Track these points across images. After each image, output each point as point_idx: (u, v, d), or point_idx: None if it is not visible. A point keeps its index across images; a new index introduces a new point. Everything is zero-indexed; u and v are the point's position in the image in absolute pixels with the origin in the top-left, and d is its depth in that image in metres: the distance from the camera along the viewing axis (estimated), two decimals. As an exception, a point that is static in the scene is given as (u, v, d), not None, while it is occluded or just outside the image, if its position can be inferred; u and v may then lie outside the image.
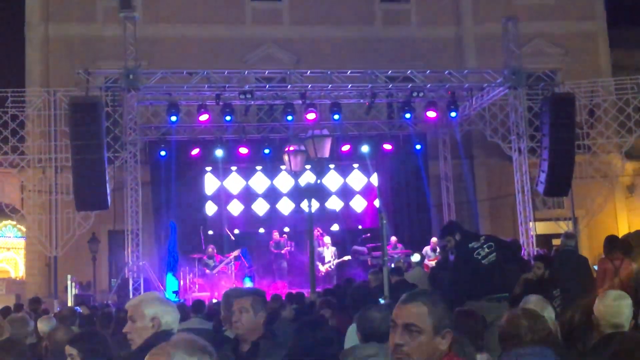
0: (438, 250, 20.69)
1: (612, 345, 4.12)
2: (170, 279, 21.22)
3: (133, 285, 19.28)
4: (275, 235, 23.00)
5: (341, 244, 23.50)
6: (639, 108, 22.58)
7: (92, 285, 22.92)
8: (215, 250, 21.83)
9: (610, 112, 23.27)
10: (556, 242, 20.36)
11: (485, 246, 10.11)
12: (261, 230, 24.80)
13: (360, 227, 25.15)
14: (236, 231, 24.03)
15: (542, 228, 24.10)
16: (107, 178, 18.46)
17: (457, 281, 10.65)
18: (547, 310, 5.80)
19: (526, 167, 21.28)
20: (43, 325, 9.01)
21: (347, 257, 22.54)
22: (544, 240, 23.77)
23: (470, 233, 10.74)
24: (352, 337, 6.37)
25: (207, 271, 21.29)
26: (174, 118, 20.24)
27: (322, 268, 21.92)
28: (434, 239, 22.25)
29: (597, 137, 23.61)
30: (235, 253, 21.82)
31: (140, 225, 20.30)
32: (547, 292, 9.71)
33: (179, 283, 21.19)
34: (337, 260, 22.37)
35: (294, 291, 16.36)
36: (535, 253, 19.02)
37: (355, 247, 23.14)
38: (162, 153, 22.82)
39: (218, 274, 21.22)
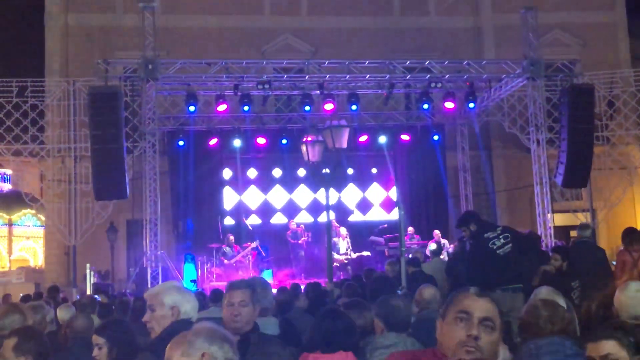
0: (442, 242, 20.72)
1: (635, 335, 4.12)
2: (188, 267, 21.33)
3: (151, 274, 19.38)
4: (292, 225, 23.07)
5: (358, 234, 23.55)
6: (659, 99, 22.47)
7: (110, 274, 23.05)
8: (234, 240, 21.93)
9: (629, 104, 23.15)
10: (574, 233, 20.29)
11: (501, 237, 10.15)
12: (279, 219, 24.86)
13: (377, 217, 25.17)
14: (253, 221, 24.15)
15: (560, 220, 24.02)
16: (125, 168, 18.55)
17: (471, 270, 10.69)
18: (560, 300, 5.80)
19: (544, 159, 21.20)
20: (63, 314, 9.11)
21: (366, 253, 22.55)
22: (562, 232, 23.69)
23: (487, 223, 10.76)
24: None
25: (225, 261, 21.38)
26: (192, 108, 20.31)
27: (338, 258, 21.95)
28: (437, 231, 22.16)
29: (615, 129, 23.49)
30: (254, 244, 21.92)
31: (159, 214, 20.39)
32: (565, 283, 9.71)
33: (197, 272, 21.31)
34: (355, 255, 22.39)
35: (310, 281, 16.43)
36: (553, 245, 18.97)
37: (373, 238, 23.17)
38: (181, 143, 22.91)
39: (236, 264, 21.31)
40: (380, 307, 5.53)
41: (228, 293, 5.21)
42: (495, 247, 10.07)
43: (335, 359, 5.38)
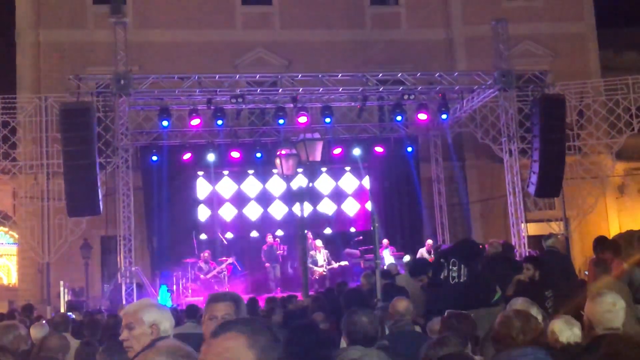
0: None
1: (605, 346, 4.16)
2: (162, 292, 21.20)
3: (126, 290, 19.25)
4: (269, 239, 23.00)
5: (333, 247, 23.56)
6: (629, 109, 22.67)
7: (84, 291, 22.87)
8: (210, 256, 21.87)
9: (599, 113, 23.37)
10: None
11: (452, 267, 10.24)
12: (254, 234, 24.79)
13: (352, 229, 25.19)
14: (228, 235, 24.08)
15: (533, 229, 24.15)
16: (98, 183, 18.44)
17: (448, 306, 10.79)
18: (533, 311, 5.84)
19: (517, 169, 21.33)
20: (36, 332, 9.01)
21: (344, 263, 22.56)
22: (536, 241, 23.80)
23: (438, 263, 10.86)
24: None
25: (201, 276, 21.31)
26: (165, 123, 20.25)
27: (318, 271, 21.97)
28: (429, 241, 22.35)
29: (587, 138, 23.71)
30: (229, 260, 21.89)
31: (133, 230, 20.27)
32: (539, 293, 9.77)
33: (170, 295, 21.19)
34: (333, 265, 22.39)
35: (285, 295, 16.41)
36: (526, 254, 19.06)
37: (348, 250, 23.19)
38: (154, 158, 22.85)
39: (212, 279, 21.25)
40: (344, 322, 5.55)
41: (210, 306, 4.83)
42: (455, 280, 10.19)
43: None
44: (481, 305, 9.84)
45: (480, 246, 13.36)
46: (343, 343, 6.44)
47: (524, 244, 20.97)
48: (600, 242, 11.29)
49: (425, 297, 11.36)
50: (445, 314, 6.73)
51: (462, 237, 20.11)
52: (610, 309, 5.46)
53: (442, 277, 10.33)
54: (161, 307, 4.81)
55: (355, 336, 5.35)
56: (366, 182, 25.42)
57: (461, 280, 10.15)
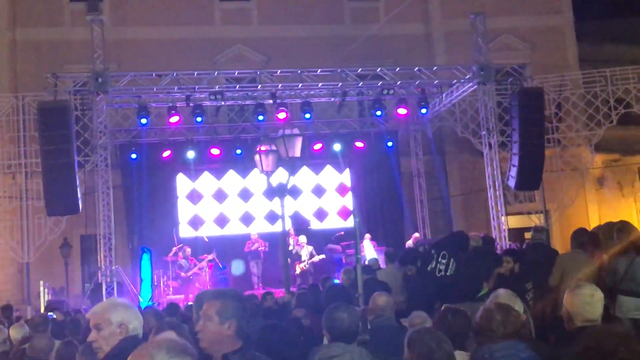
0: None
1: (585, 339, 4.15)
2: (145, 262, 21.10)
3: (106, 289, 19.16)
4: (254, 236, 22.95)
5: (315, 243, 23.55)
6: (607, 101, 22.78)
7: (65, 290, 22.74)
8: (190, 252, 21.80)
9: (578, 106, 23.47)
10: (528, 235, 20.49)
11: (442, 260, 10.24)
12: (235, 230, 24.74)
13: (334, 225, 25.20)
14: (209, 232, 24.02)
15: (514, 222, 24.27)
16: (77, 182, 18.33)
17: (429, 300, 10.80)
18: (517, 303, 5.85)
19: (497, 162, 21.40)
20: (15, 333, 8.96)
21: (321, 256, 22.57)
22: (516, 234, 23.95)
23: (427, 254, 10.86)
24: None
25: (182, 274, 21.23)
26: (144, 120, 20.14)
27: (299, 267, 21.97)
28: (416, 234, 22.37)
29: (566, 131, 23.81)
30: (210, 257, 21.82)
31: (113, 229, 20.17)
32: (519, 285, 9.79)
33: (152, 269, 21.13)
34: (312, 259, 22.39)
35: (263, 291, 16.41)
36: (507, 247, 19.14)
37: (330, 246, 23.19)
38: (133, 156, 22.74)
39: (193, 277, 21.18)
40: (325, 319, 5.55)
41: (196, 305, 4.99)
42: (441, 273, 10.19)
43: None
44: (465, 300, 9.86)
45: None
46: (326, 340, 6.44)
47: (505, 237, 21.06)
48: (580, 235, 11.34)
49: (408, 289, 11.37)
50: (442, 307, 6.73)
51: (451, 231, 20.15)
52: (588, 300, 5.48)
53: (429, 268, 10.31)
54: (129, 306, 4.72)
55: (336, 332, 5.35)
56: (347, 177, 25.44)
57: (447, 274, 10.15)
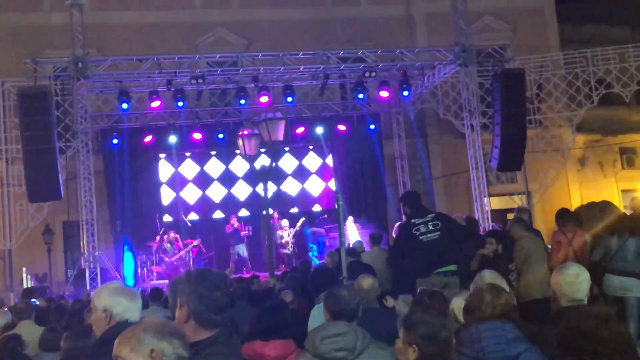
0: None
1: (565, 319, 4.18)
2: (127, 257, 21.09)
3: (90, 275, 19.10)
4: (233, 221, 22.95)
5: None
6: (588, 81, 22.84)
7: (48, 276, 22.66)
8: (175, 238, 21.78)
9: (559, 86, 23.52)
10: (511, 216, 20.59)
11: (430, 224, 10.20)
12: (218, 215, 24.74)
13: (317, 208, 25.27)
14: (192, 217, 23.99)
15: (497, 203, 24.37)
16: (59, 168, 18.24)
17: (392, 254, 10.82)
18: (502, 284, 5.88)
19: (479, 144, 21.44)
20: (-2, 319, 8.90)
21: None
22: (499, 215, 24.04)
23: (420, 208, 10.73)
24: (317, 317, 6.44)
25: (166, 259, 21.22)
26: (125, 105, 20.05)
27: (285, 251, 22.06)
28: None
29: (547, 111, 23.86)
30: (195, 243, 21.84)
31: (95, 214, 20.10)
32: (503, 266, 9.84)
33: (136, 262, 21.13)
34: (295, 230, 22.55)
35: (248, 275, 16.44)
36: (490, 228, 19.21)
37: (313, 229, 23.23)
38: (115, 141, 22.63)
39: (177, 262, 21.17)
40: (327, 298, 5.57)
41: None
42: (418, 233, 10.12)
43: (273, 347, 5.53)
44: (446, 264, 9.90)
45: None
46: (314, 322, 6.46)
47: (487, 218, 21.14)
48: (563, 214, 11.42)
49: (392, 271, 11.37)
50: (418, 291, 6.77)
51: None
52: (572, 280, 5.49)
53: (417, 233, 10.21)
54: (114, 292, 4.65)
55: (338, 311, 5.37)
56: (329, 160, 25.47)
57: (433, 239, 10.12)
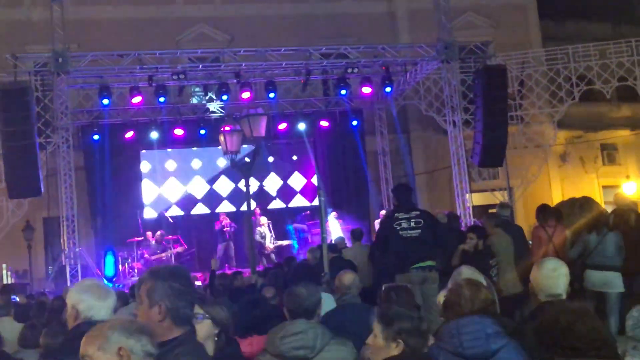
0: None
1: (543, 314, 4.19)
2: (109, 261, 21.02)
3: (70, 272, 19.01)
4: (222, 218, 22.92)
5: (281, 222, 23.62)
6: (569, 78, 22.91)
7: (28, 273, 22.54)
8: (163, 237, 21.75)
9: (541, 83, 23.57)
10: (492, 212, 20.67)
11: (412, 221, 10.16)
12: (200, 211, 24.69)
13: (299, 204, 25.26)
14: (174, 213, 23.91)
15: (478, 199, 24.41)
16: (39, 164, 18.12)
17: (373, 247, 10.83)
18: (480, 279, 5.88)
19: (461, 140, 21.48)
20: (-23, 317, 8.85)
21: (286, 242, 22.79)
22: (481, 211, 24.06)
23: (406, 203, 10.69)
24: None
25: (146, 255, 21.16)
26: (106, 101, 19.92)
27: (268, 246, 22.09)
28: (383, 212, 22.42)
29: (529, 108, 23.91)
30: (180, 249, 21.82)
31: (76, 211, 19.99)
32: (484, 262, 9.87)
33: (118, 267, 21.07)
34: (278, 243, 22.54)
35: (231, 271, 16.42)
36: (471, 224, 19.25)
37: (295, 225, 23.22)
38: (96, 137, 22.48)
39: (157, 259, 21.11)
40: (286, 297, 5.60)
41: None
42: (399, 228, 10.09)
43: (249, 343, 5.55)
44: (424, 260, 9.90)
45: None
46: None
47: (469, 214, 21.19)
48: (543, 210, 11.48)
49: (373, 266, 11.38)
50: (383, 288, 6.77)
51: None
52: (550, 274, 5.51)
53: (398, 228, 10.19)
54: (82, 289, 4.60)
55: (296, 310, 5.38)
56: (312, 156, 25.43)
57: (414, 235, 10.10)
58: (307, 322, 5.09)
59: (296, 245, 22.75)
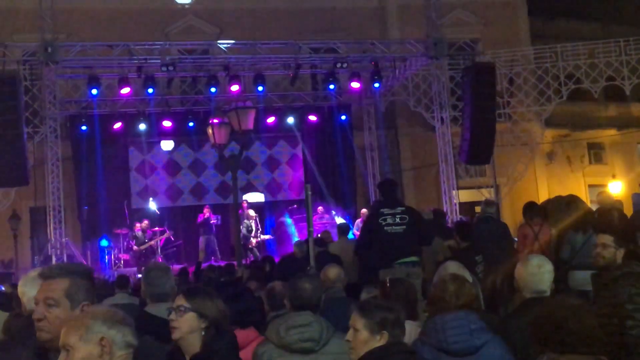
0: None
1: (537, 309, 4.22)
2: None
3: (56, 262, 18.95)
4: (206, 211, 22.88)
5: (268, 216, 23.62)
6: (557, 76, 22.99)
7: (14, 263, 22.49)
8: (148, 226, 21.72)
9: (529, 81, 23.64)
10: (479, 209, 20.74)
11: (397, 217, 10.17)
12: (187, 202, 24.67)
13: (286, 198, 25.26)
14: (161, 205, 23.88)
15: (465, 196, 24.49)
16: (26, 154, 18.07)
17: (358, 245, 10.86)
18: (466, 275, 5.92)
19: (449, 137, 21.55)
20: (-40, 306, 8.81)
21: (267, 236, 22.81)
22: (467, 207, 24.19)
23: (392, 199, 10.68)
24: None
25: (135, 247, 21.14)
26: (94, 91, 19.81)
27: (252, 239, 22.06)
28: (364, 210, 22.46)
29: (517, 106, 23.98)
30: (166, 235, 21.81)
31: (62, 201, 19.95)
32: (469, 258, 9.91)
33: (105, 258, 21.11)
34: (262, 237, 22.56)
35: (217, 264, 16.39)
36: (458, 221, 19.31)
37: (282, 219, 23.23)
38: (84, 127, 22.42)
39: (145, 250, 21.10)
40: (289, 288, 5.59)
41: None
42: (384, 223, 10.10)
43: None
44: (408, 255, 9.93)
45: None
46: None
47: (456, 211, 21.26)
48: (530, 208, 11.53)
49: (359, 262, 11.41)
50: (383, 280, 6.78)
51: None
52: (535, 271, 5.54)
53: (383, 223, 10.21)
54: (26, 282, 4.52)
55: (299, 302, 5.39)
56: (299, 150, 25.44)
57: (399, 231, 10.12)
58: (313, 315, 5.12)
59: (296, 238, 22.73)
